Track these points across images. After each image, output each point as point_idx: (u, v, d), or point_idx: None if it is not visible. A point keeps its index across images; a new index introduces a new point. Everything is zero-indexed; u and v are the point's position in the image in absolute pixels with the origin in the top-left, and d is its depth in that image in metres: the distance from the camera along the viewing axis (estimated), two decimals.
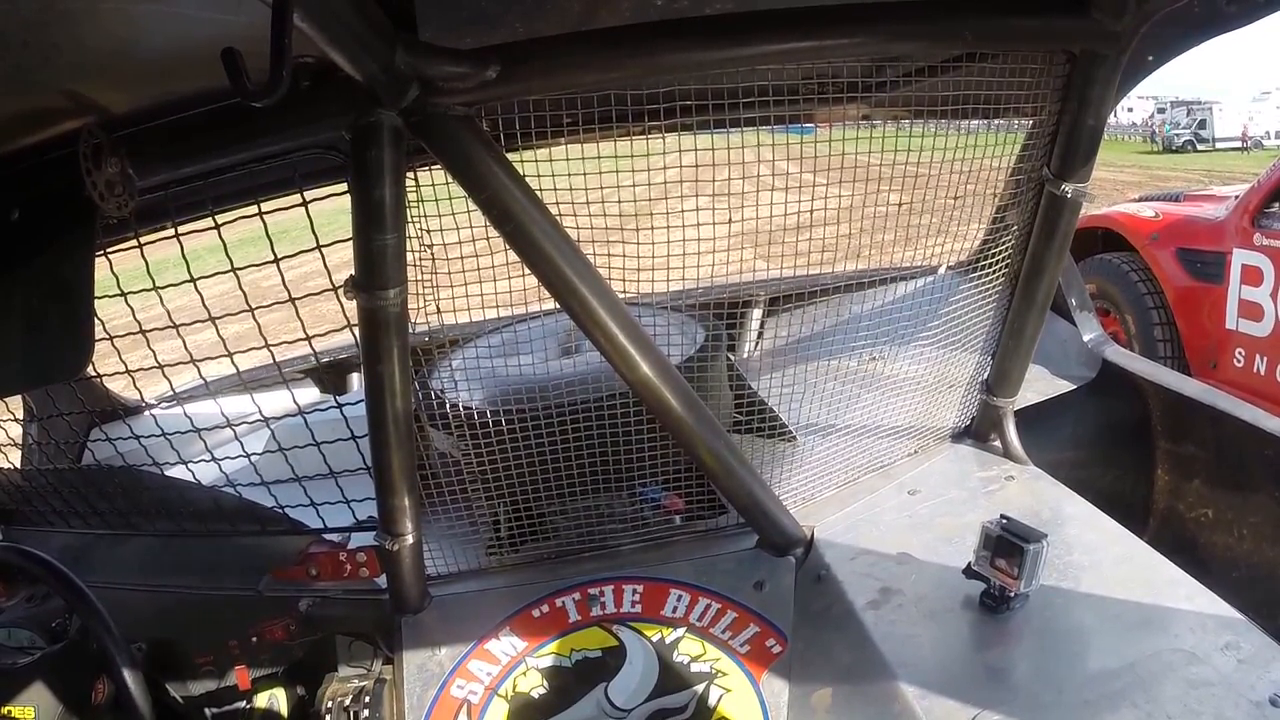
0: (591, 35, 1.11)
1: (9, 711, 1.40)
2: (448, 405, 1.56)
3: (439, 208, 1.23)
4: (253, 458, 1.55)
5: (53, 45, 0.86)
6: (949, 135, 1.42)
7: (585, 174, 1.25)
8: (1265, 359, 3.73)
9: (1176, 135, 28.24)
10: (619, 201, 1.29)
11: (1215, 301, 3.94)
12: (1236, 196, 4.06)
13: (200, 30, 0.91)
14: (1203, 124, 28.22)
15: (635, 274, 1.34)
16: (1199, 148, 26.78)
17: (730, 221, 1.35)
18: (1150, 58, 1.39)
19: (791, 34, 1.15)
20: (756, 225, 1.37)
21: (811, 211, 1.37)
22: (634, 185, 1.29)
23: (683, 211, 1.36)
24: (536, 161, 1.26)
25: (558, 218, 1.22)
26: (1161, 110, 34.37)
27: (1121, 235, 4.46)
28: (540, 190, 1.21)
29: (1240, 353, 3.85)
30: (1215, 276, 3.96)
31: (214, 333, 1.31)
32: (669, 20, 1.11)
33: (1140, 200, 5.11)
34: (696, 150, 1.35)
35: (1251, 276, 3.78)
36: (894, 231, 1.50)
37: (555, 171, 1.25)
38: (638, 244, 1.32)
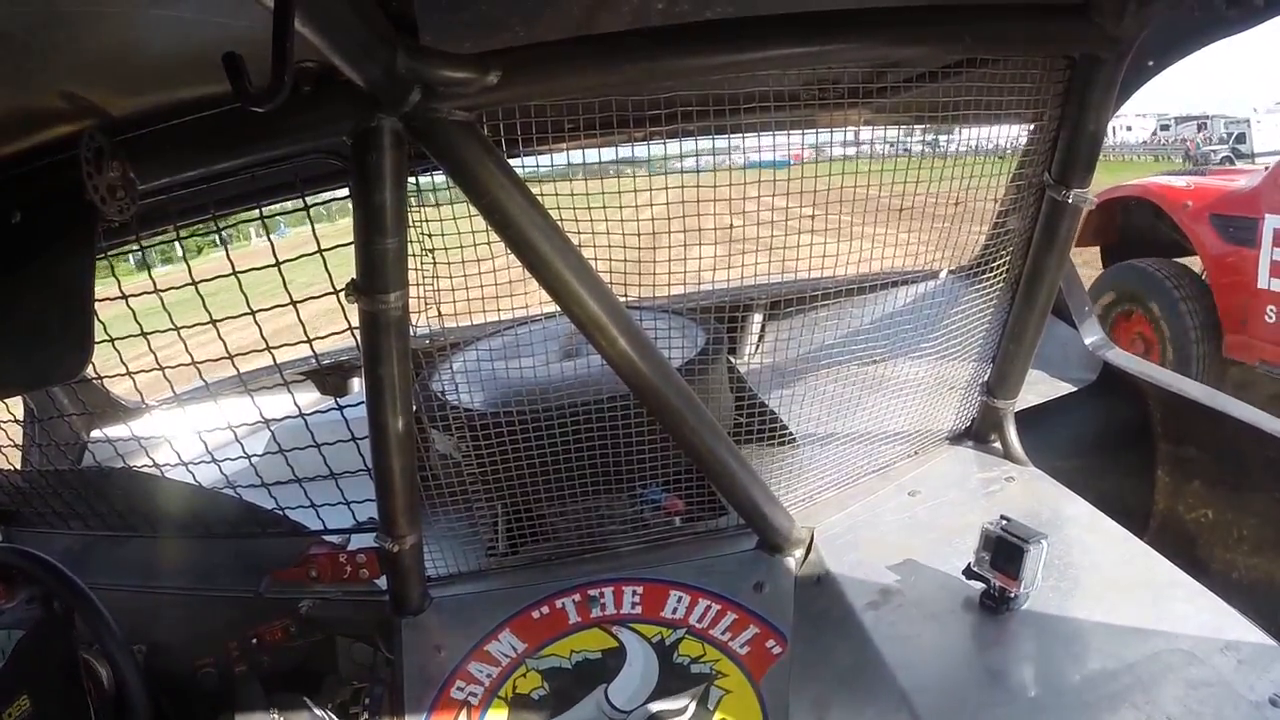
0: (592, 40, 1.11)
1: (9, 714, 1.39)
2: (449, 408, 1.56)
3: (440, 212, 1.24)
4: (253, 459, 1.55)
5: (54, 48, 0.86)
6: (944, 159, 1.43)
7: (587, 181, 1.25)
8: None
9: (1212, 151, 26.71)
10: (621, 221, 1.29)
11: (1247, 262, 4.24)
12: (1266, 167, 4.43)
13: (201, 34, 0.91)
14: (1240, 138, 27.08)
15: (636, 279, 1.34)
16: (1236, 163, 26.18)
17: (731, 250, 1.35)
18: (1150, 62, 1.39)
19: (792, 39, 1.15)
20: (758, 242, 1.37)
21: (812, 233, 1.38)
22: (637, 206, 1.29)
23: (685, 242, 1.36)
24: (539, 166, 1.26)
25: (559, 222, 1.22)
26: (1165, 127, 33.39)
27: (1154, 204, 4.81)
28: (541, 195, 1.21)
29: (1271, 310, 4.17)
30: (1248, 240, 4.26)
31: (214, 339, 1.31)
32: (669, 25, 1.11)
33: (1165, 175, 5.45)
34: (699, 185, 1.35)
35: None
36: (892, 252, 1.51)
37: (556, 177, 1.25)
38: (639, 249, 1.32)
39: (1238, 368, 4.47)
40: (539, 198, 1.20)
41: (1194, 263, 4.74)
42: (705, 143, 1.33)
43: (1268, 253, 4.17)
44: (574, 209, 1.26)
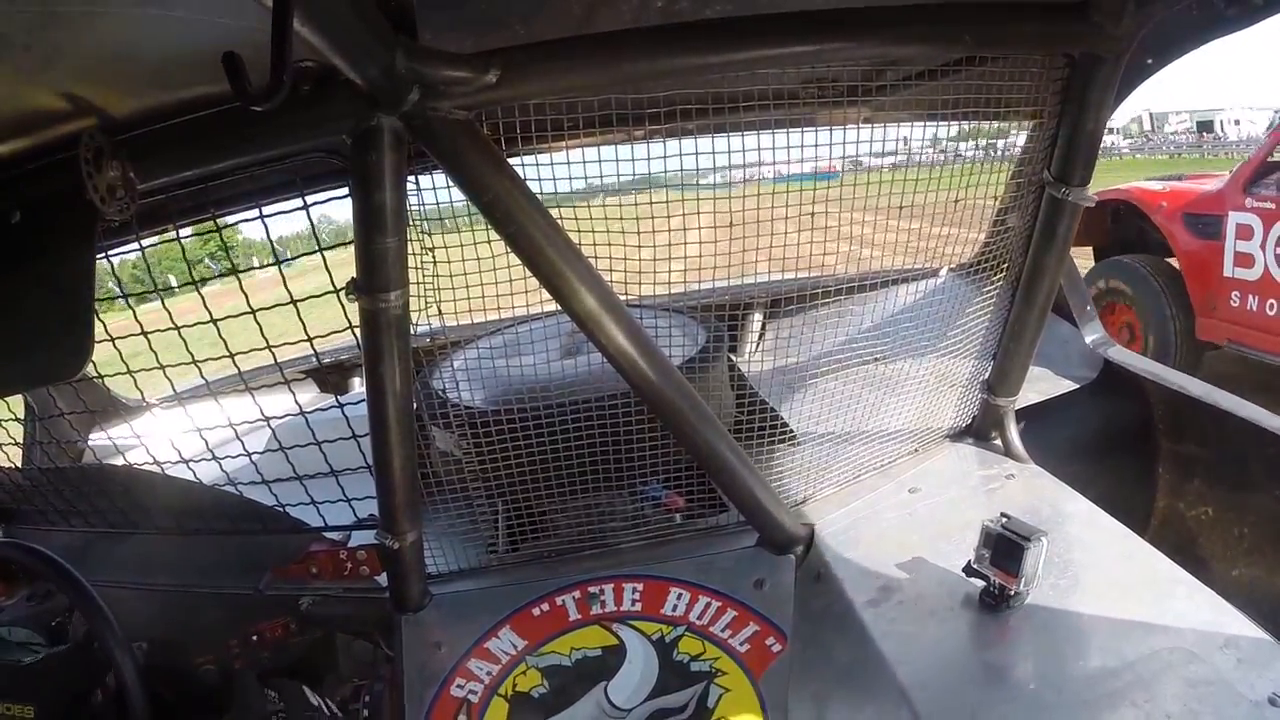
0: (591, 39, 1.11)
1: (9, 709, 1.40)
2: (449, 406, 1.56)
3: (440, 210, 1.24)
4: (254, 457, 1.55)
5: (54, 48, 0.86)
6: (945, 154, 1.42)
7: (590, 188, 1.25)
8: (1256, 298, 4.72)
9: None
10: (621, 217, 1.29)
11: (1214, 254, 4.88)
12: (1229, 172, 5.05)
13: (201, 34, 0.91)
14: None
15: (637, 277, 1.34)
16: None
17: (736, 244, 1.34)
18: (1149, 60, 1.39)
19: (792, 37, 1.15)
20: (757, 244, 1.36)
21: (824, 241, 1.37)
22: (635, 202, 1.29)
23: (684, 242, 1.36)
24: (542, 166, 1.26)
25: (559, 220, 1.22)
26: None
27: (1136, 206, 5.38)
28: (541, 194, 1.21)
29: (1236, 294, 4.81)
30: (1214, 234, 4.89)
31: (215, 340, 1.31)
32: (669, 24, 1.11)
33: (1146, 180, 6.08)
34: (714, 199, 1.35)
35: (1244, 233, 4.75)
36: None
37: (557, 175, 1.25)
38: (639, 247, 1.32)
39: (1210, 348, 5.01)
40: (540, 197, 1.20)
41: (1175, 260, 5.26)
42: (736, 158, 1.32)
43: (1231, 245, 4.81)
44: (577, 221, 1.26)
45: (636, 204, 1.29)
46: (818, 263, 1.39)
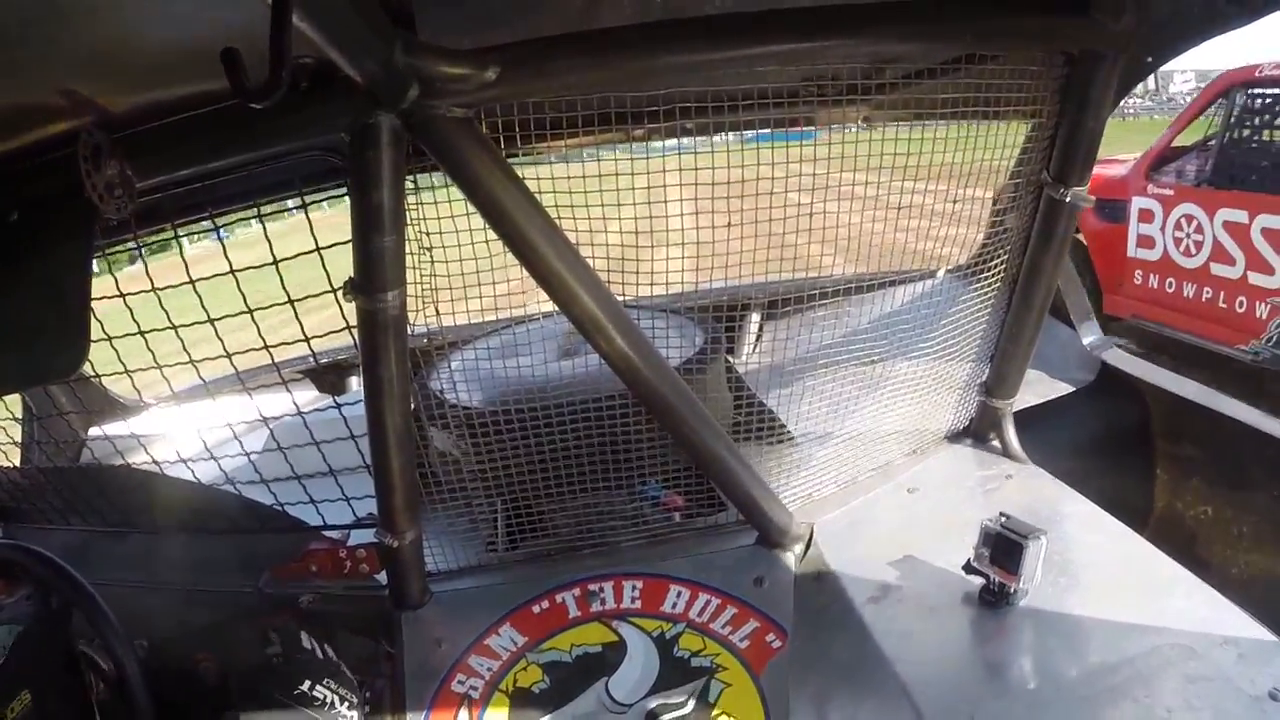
0: (591, 36, 1.11)
1: (12, 709, 1.39)
2: (447, 406, 1.56)
3: (438, 209, 1.23)
4: (252, 457, 1.55)
5: (51, 42, 0.86)
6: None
7: (585, 178, 1.24)
8: (1157, 276, 5.19)
9: None
10: (619, 205, 1.28)
11: (1119, 236, 5.35)
12: (1135, 159, 5.51)
13: (199, 29, 0.91)
14: None
15: (635, 276, 1.34)
16: None
17: (729, 225, 1.34)
18: (1149, 59, 1.39)
19: (792, 34, 1.15)
20: (756, 231, 1.36)
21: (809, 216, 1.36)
22: (634, 188, 1.28)
23: (682, 229, 1.35)
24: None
25: (556, 220, 1.21)
26: None
27: None
28: (539, 193, 1.21)
29: (1139, 273, 5.29)
30: (1119, 218, 5.34)
31: (212, 338, 1.30)
32: (669, 21, 1.10)
33: None
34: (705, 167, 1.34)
35: (1146, 217, 5.21)
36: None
37: (554, 174, 1.24)
38: (637, 247, 1.32)
39: (1115, 321, 5.26)
40: (537, 193, 1.20)
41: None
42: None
43: (1135, 228, 5.26)
44: (572, 204, 1.26)
45: (616, 162, 1.28)
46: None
